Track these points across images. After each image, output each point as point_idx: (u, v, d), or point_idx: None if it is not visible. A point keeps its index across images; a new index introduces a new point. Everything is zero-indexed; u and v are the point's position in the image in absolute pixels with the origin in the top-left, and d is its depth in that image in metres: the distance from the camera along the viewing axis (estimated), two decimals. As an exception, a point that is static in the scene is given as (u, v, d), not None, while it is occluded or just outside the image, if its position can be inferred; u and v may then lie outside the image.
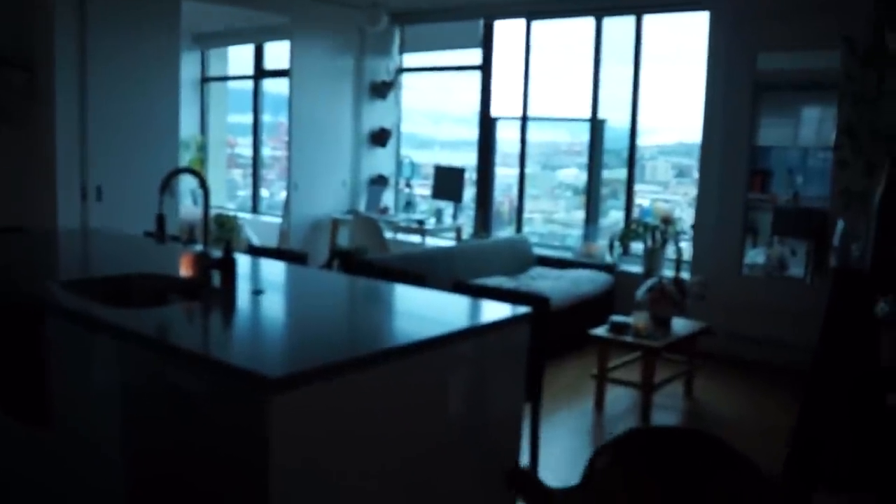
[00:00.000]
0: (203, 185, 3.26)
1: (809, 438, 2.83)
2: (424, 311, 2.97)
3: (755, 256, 6.79)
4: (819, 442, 2.81)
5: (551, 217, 8.75)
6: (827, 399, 2.78)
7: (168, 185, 3.20)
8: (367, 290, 3.32)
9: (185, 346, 2.32)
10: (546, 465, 4.07)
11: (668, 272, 6.69)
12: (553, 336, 6.03)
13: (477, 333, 2.68)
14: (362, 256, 6.77)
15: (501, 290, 3.65)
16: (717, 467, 2.08)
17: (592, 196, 7.86)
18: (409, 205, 8.92)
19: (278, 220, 9.31)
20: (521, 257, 7.36)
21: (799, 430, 2.93)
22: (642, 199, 7.83)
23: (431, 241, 8.34)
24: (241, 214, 9.71)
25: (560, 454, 4.44)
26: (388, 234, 8.25)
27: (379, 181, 9.14)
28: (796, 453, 2.93)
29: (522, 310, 2.88)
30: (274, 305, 2.96)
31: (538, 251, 7.66)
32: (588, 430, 5.05)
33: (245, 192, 10.56)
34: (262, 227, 9.48)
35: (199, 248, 3.27)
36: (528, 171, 8.27)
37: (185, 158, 9.19)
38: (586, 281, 6.80)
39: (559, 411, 5.25)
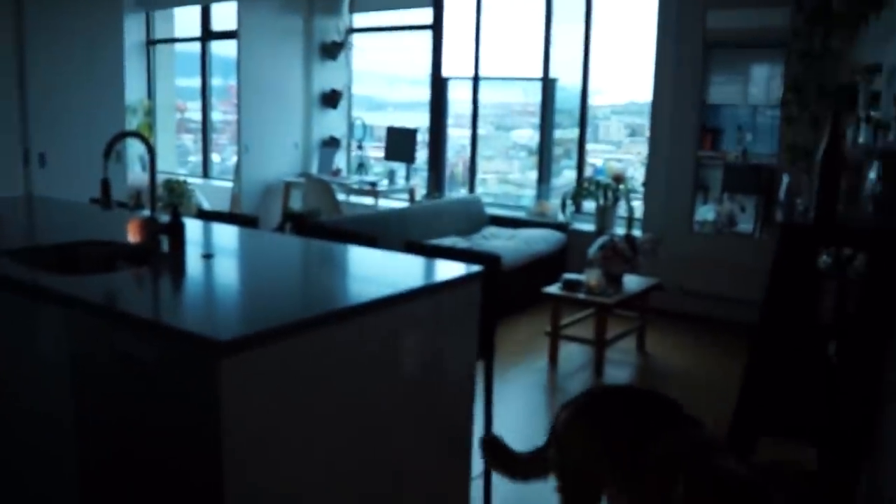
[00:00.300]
0: (149, 148, 3.21)
1: (755, 389, 2.90)
2: (376, 271, 2.97)
3: (705, 213, 6.88)
4: (764, 392, 2.88)
5: (505, 178, 8.76)
6: (772, 350, 2.85)
7: (112, 149, 3.13)
8: (318, 251, 3.31)
9: (134, 312, 2.29)
10: (501, 422, 4.11)
11: (620, 230, 6.75)
12: (506, 295, 6.11)
13: (429, 293, 2.69)
14: (315, 219, 6.73)
15: (453, 249, 3.65)
16: (666, 426, 2.13)
17: (545, 156, 7.89)
18: (362, 167, 8.88)
19: (230, 184, 9.20)
20: (474, 217, 7.38)
21: (746, 381, 3.00)
22: (595, 159, 7.88)
23: (384, 203, 8.32)
24: (191, 180, 9.57)
25: (515, 411, 4.49)
26: (341, 197, 8.20)
27: (331, 143, 9.07)
28: (743, 403, 3.01)
29: (474, 269, 2.89)
30: (224, 269, 2.93)
31: (491, 211, 7.69)
32: (542, 386, 5.11)
33: (196, 158, 10.40)
34: (213, 191, 9.36)
35: (146, 213, 3.22)
36: (481, 132, 8.27)
37: (133, 123, 9.01)
38: (539, 240, 6.85)
39: (513, 368, 5.31)
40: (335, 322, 2.31)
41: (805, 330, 2.84)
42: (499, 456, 2.08)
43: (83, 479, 2.60)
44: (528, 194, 8.16)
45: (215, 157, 10.26)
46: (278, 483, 2.25)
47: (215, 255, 3.08)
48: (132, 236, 3.21)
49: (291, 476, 2.28)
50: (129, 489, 2.45)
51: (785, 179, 3.14)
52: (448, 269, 2.88)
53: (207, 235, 3.57)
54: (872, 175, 2.82)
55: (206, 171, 10.10)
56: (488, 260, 3.06)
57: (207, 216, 4.24)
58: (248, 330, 2.12)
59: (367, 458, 2.56)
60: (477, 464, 3.27)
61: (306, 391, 2.28)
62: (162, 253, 3.05)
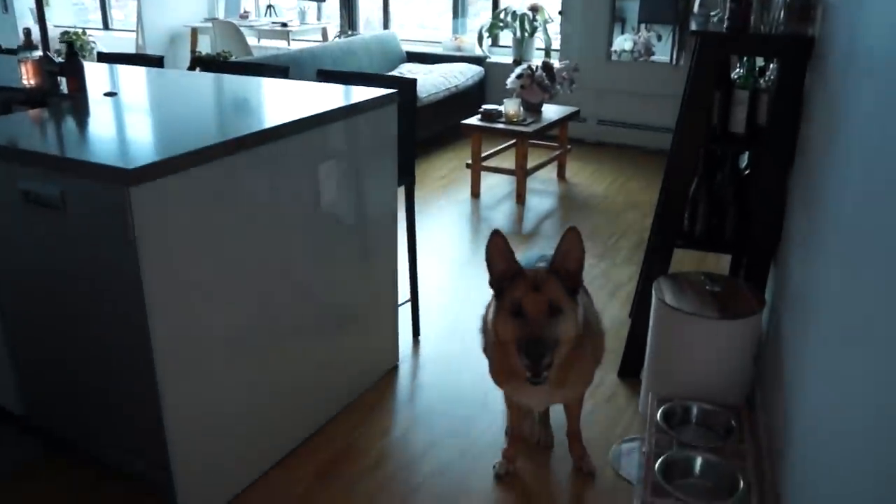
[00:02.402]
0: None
1: (671, 203, 2.98)
2: (290, 99, 2.89)
3: (622, 43, 6.84)
4: (679, 206, 2.96)
5: (423, 24, 8.52)
6: (686, 161, 2.91)
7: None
8: (229, 85, 3.19)
9: (35, 149, 2.20)
10: (425, 253, 4.18)
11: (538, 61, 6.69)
12: (426, 130, 6.07)
13: (344, 114, 2.63)
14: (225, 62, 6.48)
15: (368, 74, 3.57)
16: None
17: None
18: (271, 8, 8.51)
19: (133, 35, 8.75)
20: (390, 55, 7.20)
21: (662, 195, 3.07)
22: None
23: (297, 46, 8.04)
24: (91, 31, 9.06)
25: (439, 241, 4.54)
26: (252, 41, 7.90)
27: (237, -17, 8.64)
28: (660, 217, 3.09)
29: (389, 91, 2.84)
30: (129, 106, 2.81)
31: (407, 48, 7.50)
32: (466, 216, 5.16)
33: (96, 16, 9.78)
34: (115, 43, 8.88)
35: (38, 53, 3.04)
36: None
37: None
38: (457, 74, 6.75)
39: (436, 202, 5.34)
40: (248, 147, 2.25)
41: (716, 139, 2.89)
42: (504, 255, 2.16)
43: (7, 335, 2.57)
44: (445, 35, 7.95)
45: (118, 15, 9.67)
46: (204, 316, 2.25)
47: (118, 94, 2.95)
48: (26, 79, 3.04)
49: (216, 307, 2.28)
50: (56, 338, 2.43)
51: (699, -9, 3.11)
52: (363, 93, 2.82)
53: (110, 77, 3.41)
54: (784, -18, 2.81)
55: (105, 23, 9.55)
56: (403, 84, 3.01)
57: (109, 58, 4.04)
58: (156, 157, 2.04)
59: (292, 286, 2.57)
60: (404, 291, 3.34)
61: (224, 219, 2.24)
62: (61, 94, 2.91)
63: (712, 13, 3.17)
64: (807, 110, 2.66)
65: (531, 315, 2.07)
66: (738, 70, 3.07)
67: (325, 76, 3.21)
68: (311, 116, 2.49)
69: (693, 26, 3.12)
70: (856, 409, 1.52)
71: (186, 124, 2.59)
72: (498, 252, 2.14)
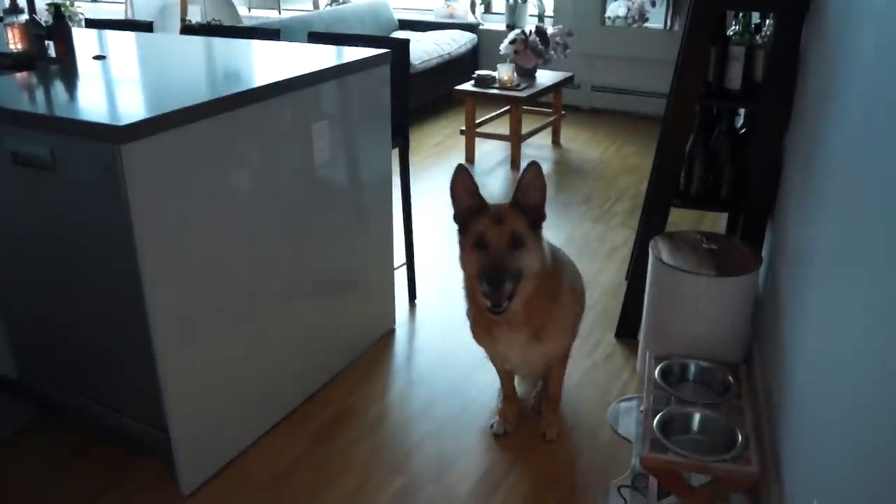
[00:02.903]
0: (19, -58, 2.93)
1: (667, 159, 2.96)
2: (281, 60, 2.85)
3: (616, 9, 6.78)
4: (675, 161, 2.94)
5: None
6: (682, 119, 2.88)
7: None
8: (219, 47, 3.15)
9: (23, 108, 2.16)
10: (420, 220, 4.16)
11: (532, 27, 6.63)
12: (419, 98, 6.02)
13: (336, 74, 2.60)
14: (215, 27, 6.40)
15: (359, 35, 3.52)
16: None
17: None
18: (261, -24, 8.40)
19: (121, 5, 8.64)
20: (382, 22, 7.13)
21: (658, 153, 3.05)
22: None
23: (288, 15, 7.95)
24: (79, 3, 8.94)
25: (434, 207, 4.52)
26: (243, 11, 7.81)
27: (225, -48, 8.52)
28: (656, 173, 3.07)
29: (382, 51, 2.81)
30: (119, 68, 2.77)
31: (399, 16, 7.43)
32: (460, 185, 5.13)
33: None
34: (103, 15, 8.78)
35: (24, 17, 2.99)
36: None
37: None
38: (450, 41, 6.69)
39: (430, 168, 5.31)
40: (239, 105, 2.22)
41: (711, 95, 2.86)
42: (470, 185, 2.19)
43: (1, 291, 2.55)
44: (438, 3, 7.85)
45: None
46: (199, 277, 2.23)
47: (108, 57, 2.91)
48: (13, 44, 3.00)
49: (210, 269, 2.26)
50: (49, 301, 2.41)
51: (693, -53, 3.07)
52: (356, 53, 2.79)
53: (99, 42, 3.36)
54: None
55: (93, -8, 9.43)
56: (396, 45, 2.97)
57: (97, 25, 3.99)
58: (147, 115, 2.00)
59: (286, 249, 2.56)
60: (399, 255, 3.32)
61: (216, 179, 2.22)
62: (49, 58, 2.87)
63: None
64: (804, 65, 2.63)
65: (493, 246, 2.10)
66: (733, 27, 3.05)
67: (317, 38, 3.17)
68: (303, 75, 2.45)
69: (688, -18, 3.09)
70: (855, 363, 1.51)
71: (177, 84, 2.55)
72: (462, 187, 2.17)
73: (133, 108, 2.25)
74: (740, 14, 2.96)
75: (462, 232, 2.20)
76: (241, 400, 2.50)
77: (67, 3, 8.55)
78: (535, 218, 2.17)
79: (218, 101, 2.16)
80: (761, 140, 2.83)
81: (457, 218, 2.20)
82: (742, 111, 3.33)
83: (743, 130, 3.12)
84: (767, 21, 2.99)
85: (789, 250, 2.45)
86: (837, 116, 1.94)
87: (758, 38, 2.91)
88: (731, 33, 2.95)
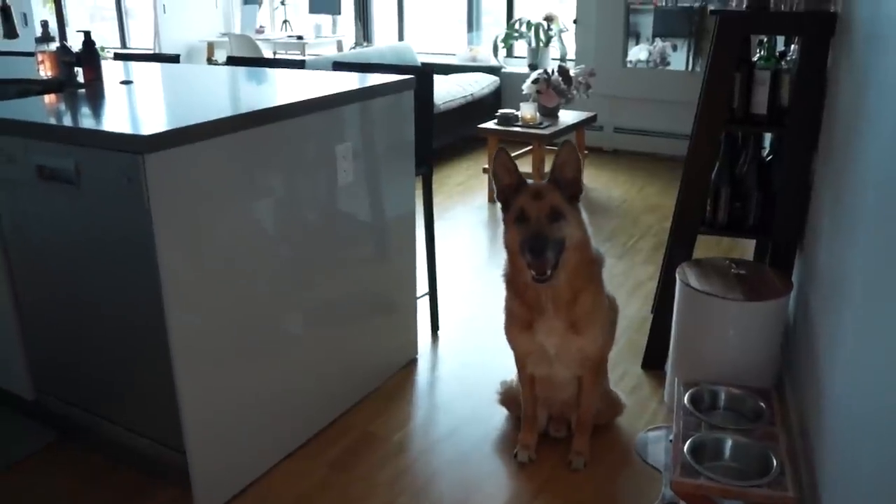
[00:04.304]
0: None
1: (693, 185, 2.92)
2: (307, 85, 2.86)
3: (637, 53, 6.82)
4: (701, 188, 2.91)
5: (437, 37, 8.51)
6: (707, 145, 2.85)
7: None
8: (245, 74, 3.17)
9: (52, 122, 2.17)
10: (443, 258, 4.14)
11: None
12: (443, 138, 6.04)
13: (360, 96, 2.60)
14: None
15: (383, 64, 3.54)
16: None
17: (474, 0, 7.68)
18: (286, 22, 8.55)
19: (150, 51, 8.81)
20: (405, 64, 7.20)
21: (684, 178, 3.02)
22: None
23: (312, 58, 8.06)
24: (107, 46, 9.12)
25: (456, 244, 4.50)
26: (268, 54, 7.93)
27: (252, 0, 8.70)
28: (682, 200, 3.04)
29: (406, 77, 2.81)
30: (146, 92, 2.79)
31: (422, 59, 7.50)
32: (483, 221, 5.12)
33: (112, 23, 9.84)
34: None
35: (55, 44, 3.04)
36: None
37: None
38: (472, 82, 6.74)
39: (453, 208, 5.30)
40: (262, 122, 2.22)
41: (740, 122, 2.84)
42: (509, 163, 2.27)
43: (19, 317, 2.54)
44: (460, 44, 7.95)
45: (135, 34, 9.71)
46: (220, 297, 2.20)
47: (135, 82, 2.94)
48: (44, 70, 3.04)
49: (231, 288, 2.24)
50: (68, 319, 2.39)
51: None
52: (380, 79, 2.79)
53: (127, 71, 3.40)
54: (804, -40, 2.78)
55: (123, 38, 9.62)
56: (420, 72, 2.98)
57: (125, 57, 4.04)
58: (172, 127, 2.00)
59: (308, 271, 2.53)
60: (422, 284, 3.29)
61: (239, 196, 2.20)
62: (77, 83, 2.90)
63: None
64: (831, 89, 2.61)
65: (533, 217, 2.19)
66: (758, 53, 3.04)
67: (341, 67, 3.19)
68: (327, 96, 2.46)
69: (712, 6, 3.08)
70: (891, 389, 1.45)
71: (202, 104, 2.57)
72: (502, 166, 2.29)
73: (157, 123, 2.25)
74: (764, 40, 2.95)
75: (504, 209, 2.31)
76: (261, 424, 2.45)
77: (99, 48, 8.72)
78: (573, 192, 2.26)
79: (242, 117, 2.16)
80: (789, 165, 2.79)
81: (499, 196, 2.32)
82: (768, 136, 3.30)
83: (769, 157, 3.08)
84: (792, 46, 2.97)
85: (821, 276, 2.40)
86: (869, 139, 1.90)
87: (783, 63, 2.89)
88: (756, 59, 2.94)
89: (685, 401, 2.42)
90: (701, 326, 2.63)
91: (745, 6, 2.80)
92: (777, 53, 2.99)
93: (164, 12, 7.96)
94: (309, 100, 2.38)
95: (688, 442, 2.20)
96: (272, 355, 2.43)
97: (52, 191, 2.18)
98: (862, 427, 1.65)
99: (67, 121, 2.32)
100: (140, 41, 9.56)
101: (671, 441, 2.30)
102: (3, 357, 2.63)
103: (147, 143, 1.90)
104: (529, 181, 2.28)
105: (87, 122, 2.32)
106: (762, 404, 2.39)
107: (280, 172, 2.33)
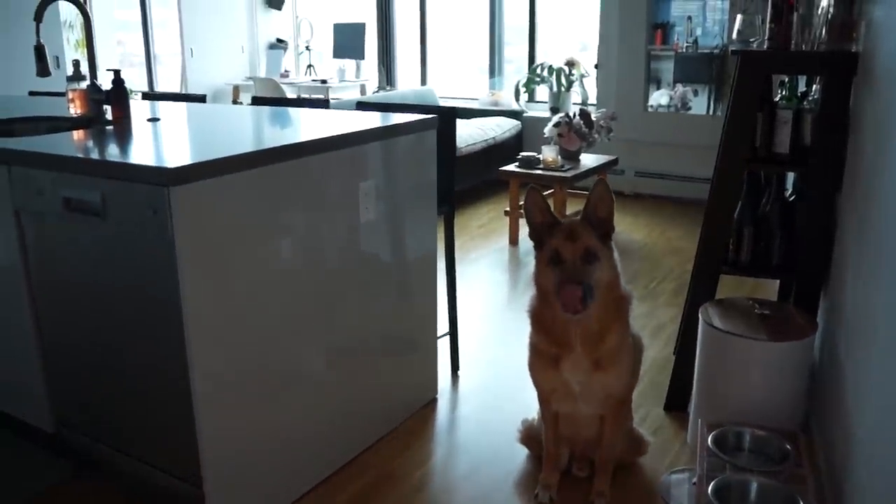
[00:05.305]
0: (83, 12, 3.06)
1: (715, 225, 2.91)
2: (331, 123, 2.89)
3: (659, 98, 6.85)
4: (724, 227, 2.89)
5: (459, 82, 8.59)
6: (729, 184, 2.85)
7: (43, 12, 2.99)
8: (270, 113, 3.21)
9: (80, 155, 2.20)
10: (464, 301, 4.12)
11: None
12: (464, 182, 6.07)
13: (383, 134, 2.62)
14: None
15: (406, 104, 3.57)
16: None
17: (496, 45, 7.76)
18: (311, 67, 8.67)
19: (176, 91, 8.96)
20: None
21: (706, 218, 3.01)
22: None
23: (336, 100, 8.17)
24: (135, 88, 9.28)
25: (477, 286, 4.49)
26: (292, 97, 8.03)
27: (277, 45, 8.83)
28: (705, 240, 3.02)
29: (429, 116, 2.83)
30: (172, 128, 2.83)
31: (444, 103, 7.56)
32: (504, 263, 5.11)
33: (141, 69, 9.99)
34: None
35: (85, 83, 3.09)
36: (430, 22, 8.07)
37: (71, 40, 8.64)
38: (494, 126, 6.78)
39: (474, 250, 5.30)
40: (288, 157, 2.24)
41: (763, 161, 2.83)
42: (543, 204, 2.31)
43: (41, 349, 2.55)
44: (481, 89, 8.02)
45: (162, 79, 9.87)
46: (242, 332, 2.20)
47: (162, 120, 2.98)
48: (73, 108, 3.09)
49: (253, 323, 2.24)
50: (90, 351, 2.40)
51: (739, 18, 3.09)
52: (403, 118, 2.81)
53: (154, 109, 3.45)
54: (825, 1, 2.79)
55: (151, 84, 9.77)
56: (442, 111, 3.00)
57: (153, 97, 4.11)
58: (197, 160, 2.02)
59: (330, 308, 2.53)
60: (443, 324, 3.28)
61: (262, 231, 2.22)
62: (105, 121, 2.95)
63: (751, 40, 3.15)
64: (854, 127, 2.60)
65: (569, 260, 2.20)
66: (780, 93, 3.04)
67: (365, 107, 3.22)
68: (350, 133, 2.48)
69: (733, 47, 3.10)
70: None
71: (227, 140, 2.60)
72: (535, 206, 2.29)
73: (182, 157, 2.27)
74: (786, 80, 2.95)
75: (537, 248, 2.30)
76: (279, 460, 2.43)
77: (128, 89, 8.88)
78: (605, 230, 2.27)
79: (266, 152, 2.19)
80: (813, 204, 2.78)
81: (531, 234, 2.32)
82: (791, 175, 3.29)
83: (792, 196, 3.07)
84: (814, 86, 2.98)
85: (847, 315, 2.37)
86: (894, 177, 1.89)
87: (805, 102, 2.90)
88: (778, 99, 2.95)
89: (709, 442, 2.38)
90: (724, 367, 2.60)
91: (766, 46, 2.81)
92: (798, 94, 3.00)
93: (192, 56, 8.09)
94: (333, 137, 2.40)
95: (712, 483, 2.16)
96: (292, 392, 2.43)
97: (77, 222, 2.21)
98: (892, 471, 1.61)
99: (94, 154, 2.36)
100: (167, 85, 9.72)
101: (694, 484, 2.26)
102: (25, 389, 2.63)
103: (173, 175, 1.92)
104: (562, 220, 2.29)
105: (113, 155, 2.35)
106: (788, 446, 2.34)
107: (303, 209, 2.35)
